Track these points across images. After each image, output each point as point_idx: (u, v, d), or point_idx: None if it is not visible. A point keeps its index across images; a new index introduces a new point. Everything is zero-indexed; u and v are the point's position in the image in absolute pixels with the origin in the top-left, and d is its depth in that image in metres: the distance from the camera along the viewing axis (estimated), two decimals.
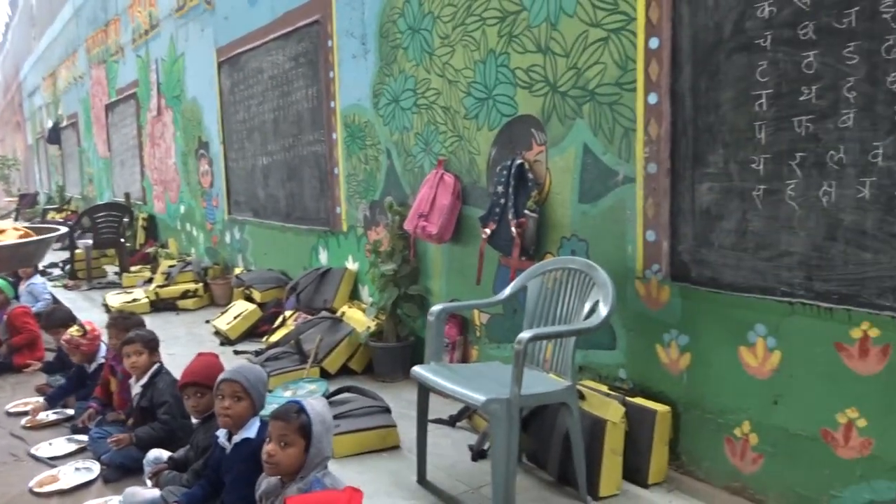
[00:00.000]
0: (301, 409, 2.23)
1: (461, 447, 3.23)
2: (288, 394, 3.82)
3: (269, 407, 2.71)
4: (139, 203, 10.29)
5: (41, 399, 4.32)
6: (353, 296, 5.08)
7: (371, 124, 4.73)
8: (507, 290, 3.11)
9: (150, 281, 7.62)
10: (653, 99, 2.83)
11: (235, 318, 5.47)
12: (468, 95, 3.84)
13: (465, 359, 4.00)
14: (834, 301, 2.29)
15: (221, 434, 2.66)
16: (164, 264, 7.57)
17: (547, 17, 3.28)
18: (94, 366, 4.21)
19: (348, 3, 4.84)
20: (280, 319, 5.17)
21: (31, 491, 3.24)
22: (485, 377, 2.78)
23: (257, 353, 4.63)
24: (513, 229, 3.38)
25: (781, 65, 2.39)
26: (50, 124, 16.80)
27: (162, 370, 3.53)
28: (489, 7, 3.62)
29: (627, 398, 2.84)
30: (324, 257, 5.51)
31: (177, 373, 3.31)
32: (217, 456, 2.67)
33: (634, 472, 2.80)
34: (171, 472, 2.91)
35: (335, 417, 3.28)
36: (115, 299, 6.73)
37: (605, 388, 2.97)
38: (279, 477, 2.30)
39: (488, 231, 3.53)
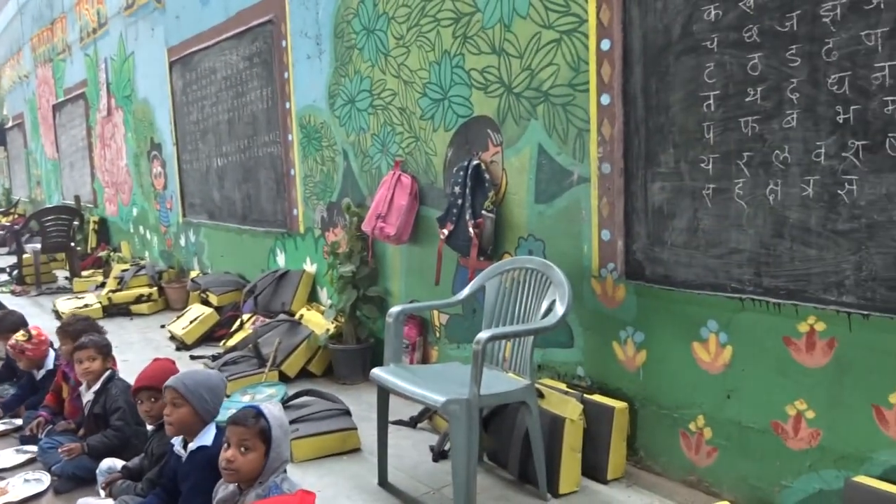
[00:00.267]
0: (259, 414, 2.20)
1: (422, 448, 3.24)
2: (246, 398, 3.77)
3: (228, 412, 2.67)
4: (90, 206, 10.04)
5: None
6: (312, 298, 5.04)
7: (327, 125, 4.69)
8: (466, 291, 3.12)
9: (102, 286, 7.46)
10: (605, 100, 2.87)
11: (191, 322, 5.38)
12: (424, 96, 3.84)
13: (425, 360, 4.00)
14: (782, 296, 2.36)
15: (177, 442, 2.61)
16: (117, 268, 7.41)
17: (500, 18, 3.30)
18: (42, 372, 4.09)
19: (302, 2, 4.79)
20: (238, 323, 5.10)
21: None
22: (444, 378, 2.79)
23: (214, 358, 4.56)
24: (470, 230, 3.39)
25: (728, 66, 2.45)
26: None
27: (115, 376, 3.43)
28: (443, 8, 3.63)
29: (586, 395, 2.88)
30: (281, 259, 5.46)
31: (131, 379, 3.24)
32: (173, 464, 2.61)
33: (593, 469, 2.84)
34: (126, 481, 2.84)
35: (294, 421, 3.27)
36: (66, 305, 6.55)
37: (563, 386, 3.00)
38: (237, 484, 2.27)
39: (446, 232, 3.54)
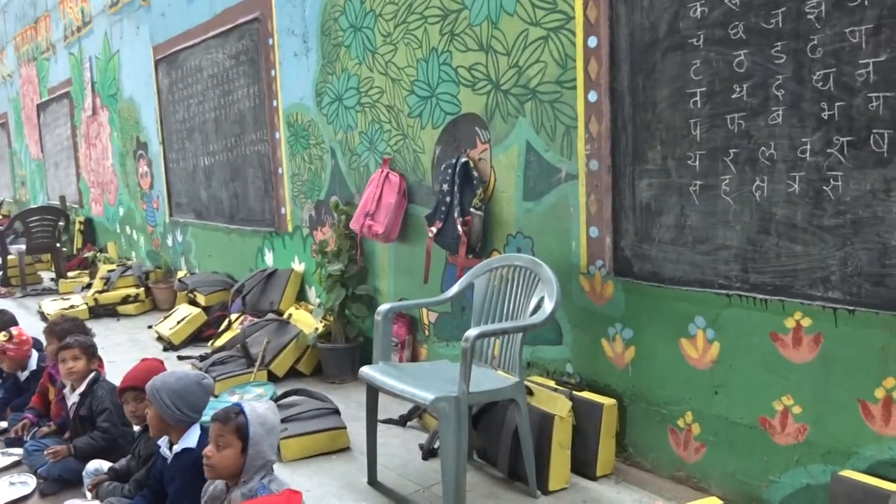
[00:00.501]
0: (240, 412, 2.19)
1: (412, 447, 3.23)
2: (235, 398, 3.74)
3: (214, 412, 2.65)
4: (75, 206, 9.95)
5: None
6: (300, 297, 5.02)
7: (315, 123, 4.67)
8: (455, 288, 3.12)
9: (88, 286, 7.40)
10: (593, 97, 2.87)
11: (179, 322, 5.35)
12: (412, 94, 3.83)
13: (414, 358, 4.00)
14: (768, 292, 2.37)
15: (163, 443, 2.59)
16: (103, 269, 7.34)
17: (488, 15, 3.30)
18: (26, 374, 4.05)
19: (288, 0, 4.77)
20: (226, 323, 5.08)
21: None
22: (433, 376, 2.78)
23: (202, 358, 4.54)
24: (459, 227, 3.39)
25: (714, 63, 2.45)
26: None
27: (100, 378, 3.40)
28: (430, 5, 3.62)
29: (575, 392, 2.88)
30: (269, 259, 5.43)
31: (117, 381, 3.21)
32: (160, 466, 2.60)
33: (583, 466, 2.84)
34: (112, 483, 2.82)
35: (283, 421, 3.25)
36: (52, 306, 6.49)
37: (552, 384, 3.01)
38: (225, 482, 2.25)
39: (435, 229, 3.53)
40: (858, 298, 2.16)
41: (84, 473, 2.98)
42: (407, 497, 2.80)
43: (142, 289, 6.75)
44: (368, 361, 2.98)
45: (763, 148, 2.34)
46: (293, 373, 4.33)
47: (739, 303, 2.46)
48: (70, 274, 8.24)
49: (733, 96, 2.41)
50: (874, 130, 2.08)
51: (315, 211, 4.78)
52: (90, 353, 3.37)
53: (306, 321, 4.49)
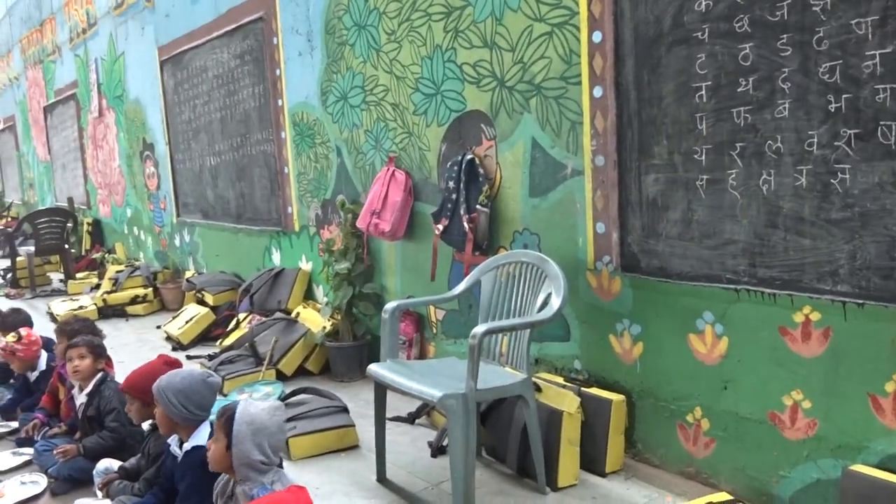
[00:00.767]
0: (233, 408, 2.18)
1: (420, 444, 3.24)
2: (244, 397, 3.76)
3: None
4: (83, 207, 9.99)
5: None
6: (308, 296, 5.03)
7: (320, 122, 4.68)
8: (462, 286, 3.11)
9: (97, 287, 7.43)
10: (598, 92, 2.87)
11: (187, 322, 5.37)
12: (416, 91, 3.83)
13: (422, 356, 4.00)
14: (777, 287, 2.36)
15: (173, 441, 2.60)
16: (112, 270, 7.38)
17: (492, 11, 3.29)
18: (35, 374, 4.08)
19: None
20: (234, 322, 5.09)
21: None
22: (441, 373, 2.78)
23: (211, 358, 4.55)
24: (465, 225, 3.38)
25: (719, 57, 2.44)
26: None
27: (107, 378, 3.42)
28: (434, 3, 3.61)
29: (583, 389, 2.88)
30: (277, 258, 5.44)
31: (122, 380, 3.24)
32: (169, 464, 2.61)
33: (592, 462, 2.84)
34: (122, 481, 2.83)
35: (292, 419, 3.26)
36: (61, 307, 6.53)
37: (560, 380, 3.01)
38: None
39: (441, 227, 3.53)
40: (868, 292, 2.14)
41: (94, 472, 2.99)
42: (416, 494, 2.80)
43: (150, 289, 6.77)
44: (376, 359, 2.98)
45: (770, 141, 2.33)
46: (301, 371, 4.34)
47: (747, 297, 2.45)
48: (79, 275, 8.28)
49: (739, 90, 2.40)
50: (881, 122, 2.06)
51: (321, 210, 4.79)
52: (96, 352, 3.39)
53: (314, 320, 4.50)
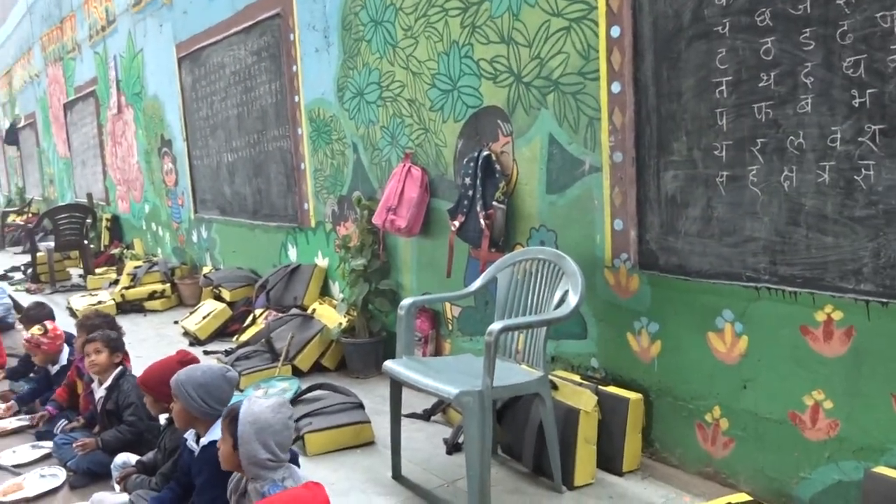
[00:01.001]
0: (237, 408, 2.15)
1: (436, 441, 3.23)
2: (259, 393, 3.78)
3: None
4: (102, 203, 10.09)
5: (12, 402, 4.24)
6: (324, 292, 5.04)
7: (336, 118, 4.68)
8: (478, 282, 3.10)
9: (115, 283, 7.49)
10: (616, 88, 2.84)
11: (204, 317, 5.40)
12: (433, 87, 3.82)
13: (437, 352, 3.99)
14: (798, 285, 2.32)
15: (190, 436, 2.61)
16: (130, 265, 7.44)
17: (509, 7, 3.27)
18: (56, 368, 4.13)
19: None
20: (250, 318, 5.11)
21: None
22: (457, 370, 2.77)
23: (227, 353, 4.57)
24: (481, 221, 3.37)
25: (740, 52, 2.41)
26: (7, 124, 16.39)
27: (126, 372, 3.46)
28: None
29: (600, 387, 2.86)
30: (293, 254, 5.46)
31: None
32: (186, 459, 2.62)
33: (608, 461, 2.82)
34: (140, 476, 2.86)
35: (308, 415, 3.27)
36: (80, 302, 6.59)
37: (577, 378, 2.98)
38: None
39: (457, 223, 3.52)
40: (892, 290, 2.10)
41: (112, 466, 3.02)
42: (431, 491, 2.80)
43: (168, 285, 6.82)
44: (392, 356, 2.98)
45: (792, 137, 2.29)
46: (317, 367, 4.35)
47: (768, 295, 2.41)
48: (97, 270, 8.36)
49: (760, 85, 2.36)
50: None
51: (338, 206, 4.79)
52: (112, 346, 3.41)
53: (330, 316, 4.51)
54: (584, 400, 2.77)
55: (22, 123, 15.49)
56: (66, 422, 3.78)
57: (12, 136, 15.96)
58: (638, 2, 2.72)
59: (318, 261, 5.11)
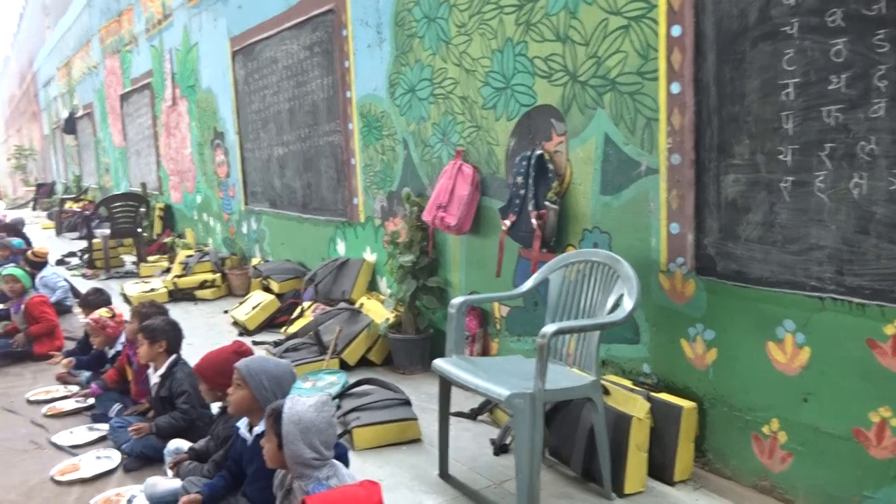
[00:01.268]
0: (279, 408, 2.16)
1: (482, 441, 3.22)
2: (307, 385, 3.82)
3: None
4: (155, 193, 10.33)
5: (72, 359, 4.55)
6: (371, 287, 5.07)
7: (387, 114, 4.69)
8: (529, 283, 3.07)
9: (167, 271, 7.66)
10: (676, 88, 2.77)
11: (254, 308, 5.48)
12: (486, 85, 3.79)
13: (484, 352, 3.98)
14: (866, 296, 2.24)
15: (242, 425, 2.65)
16: (182, 254, 7.60)
17: (565, 5, 3.22)
18: (113, 351, 4.28)
19: None
20: (298, 310, 5.17)
21: (52, 479, 3.27)
22: (507, 371, 2.75)
23: (276, 344, 4.64)
24: (533, 221, 3.34)
25: (809, 53, 2.33)
26: (65, 114, 16.89)
27: (179, 360, 3.54)
28: None
29: (652, 393, 2.81)
30: (341, 248, 5.50)
31: (194, 363, 3.32)
32: (238, 447, 2.66)
33: (660, 470, 2.77)
34: (192, 462, 2.91)
35: (355, 410, 3.30)
36: (134, 289, 6.76)
37: (628, 383, 2.94)
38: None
39: (508, 223, 3.50)
40: None
41: (165, 452, 3.09)
42: (478, 492, 2.79)
43: (218, 274, 6.94)
44: (439, 353, 2.97)
45: (863, 142, 2.21)
46: (364, 362, 4.38)
47: (833, 306, 2.33)
48: (150, 258, 8.57)
49: (830, 87, 2.28)
50: None
51: (387, 202, 4.81)
52: (151, 337, 3.48)
53: (377, 311, 4.53)
54: (636, 406, 2.72)
55: (80, 113, 15.95)
56: (121, 406, 3.90)
57: (70, 126, 16.43)
58: (701, 1, 2.65)
59: (366, 256, 5.14)
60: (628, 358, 3.09)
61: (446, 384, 2.86)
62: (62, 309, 6.09)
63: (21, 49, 27.71)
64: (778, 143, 2.44)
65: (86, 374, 4.53)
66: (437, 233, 4.23)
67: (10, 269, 5.55)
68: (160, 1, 9.20)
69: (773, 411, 2.54)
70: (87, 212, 10.67)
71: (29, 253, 6.67)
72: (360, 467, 2.91)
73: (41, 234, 13.00)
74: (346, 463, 2.29)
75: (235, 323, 5.61)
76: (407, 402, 3.41)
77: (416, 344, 4.25)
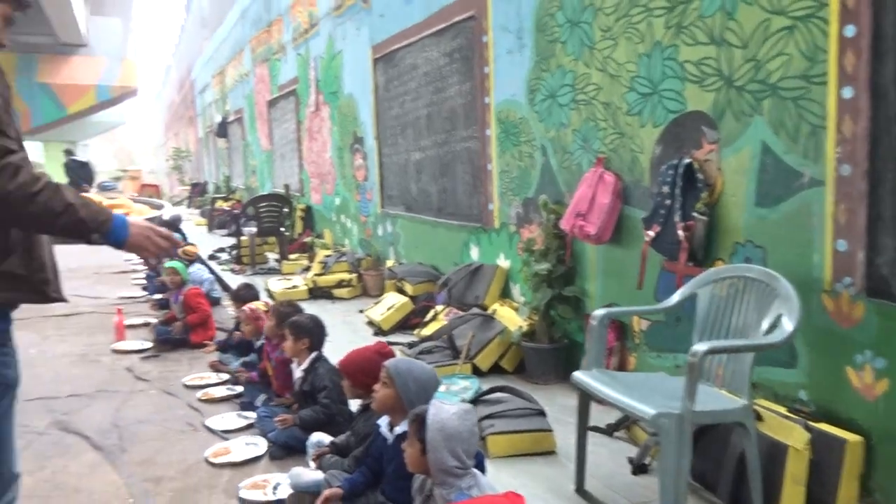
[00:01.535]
0: (423, 415, 2.17)
1: (618, 458, 3.12)
2: (442, 388, 3.85)
3: None
4: (297, 194, 10.87)
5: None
6: (504, 294, 5.06)
7: (526, 120, 4.67)
8: (675, 297, 2.94)
9: (307, 269, 8.03)
10: (848, 93, 2.56)
11: (388, 309, 5.63)
12: (631, 90, 3.68)
13: (622, 366, 3.85)
14: None
15: (383, 423, 2.71)
16: (321, 254, 7.95)
17: (722, 5, 3.06)
18: (259, 343, 4.56)
19: None
20: (431, 313, 5.25)
21: (206, 460, 3.52)
22: (650, 388, 2.65)
23: (410, 346, 4.73)
24: (679, 232, 3.20)
25: None
26: (218, 119, 18.16)
27: (321, 356, 3.71)
28: None
29: (811, 423, 2.60)
30: (475, 253, 5.53)
31: (333, 359, 3.51)
32: (379, 445, 2.73)
33: None
34: (334, 456, 3.02)
35: (489, 417, 3.29)
36: (277, 285, 7.15)
37: (783, 410, 2.74)
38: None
39: (652, 233, 3.37)
40: None
41: (307, 444, 3.23)
42: None
43: (354, 275, 7.19)
44: (573, 364, 2.93)
45: None
46: (496, 369, 4.37)
47: None
48: (291, 256, 9.02)
49: None
50: None
51: (523, 208, 4.78)
52: (296, 333, 3.70)
53: (510, 318, 4.51)
54: (794, 435, 2.53)
55: (231, 118, 17.09)
56: (266, 396, 4.14)
57: (222, 130, 17.65)
58: None
59: (500, 262, 5.14)
60: (782, 382, 2.89)
61: (586, 398, 2.80)
62: (210, 301, 6.55)
63: (181, 59, 30.11)
64: None
65: (234, 363, 4.85)
66: (574, 241, 4.16)
67: (172, 262, 6.03)
68: (307, 11, 9.68)
69: None
70: (235, 210, 11.40)
71: (179, 251, 7.24)
72: (495, 476, 2.90)
73: (195, 230, 14.06)
74: (482, 471, 2.29)
75: (370, 323, 5.78)
76: (542, 413, 3.36)
77: (549, 353, 4.19)
